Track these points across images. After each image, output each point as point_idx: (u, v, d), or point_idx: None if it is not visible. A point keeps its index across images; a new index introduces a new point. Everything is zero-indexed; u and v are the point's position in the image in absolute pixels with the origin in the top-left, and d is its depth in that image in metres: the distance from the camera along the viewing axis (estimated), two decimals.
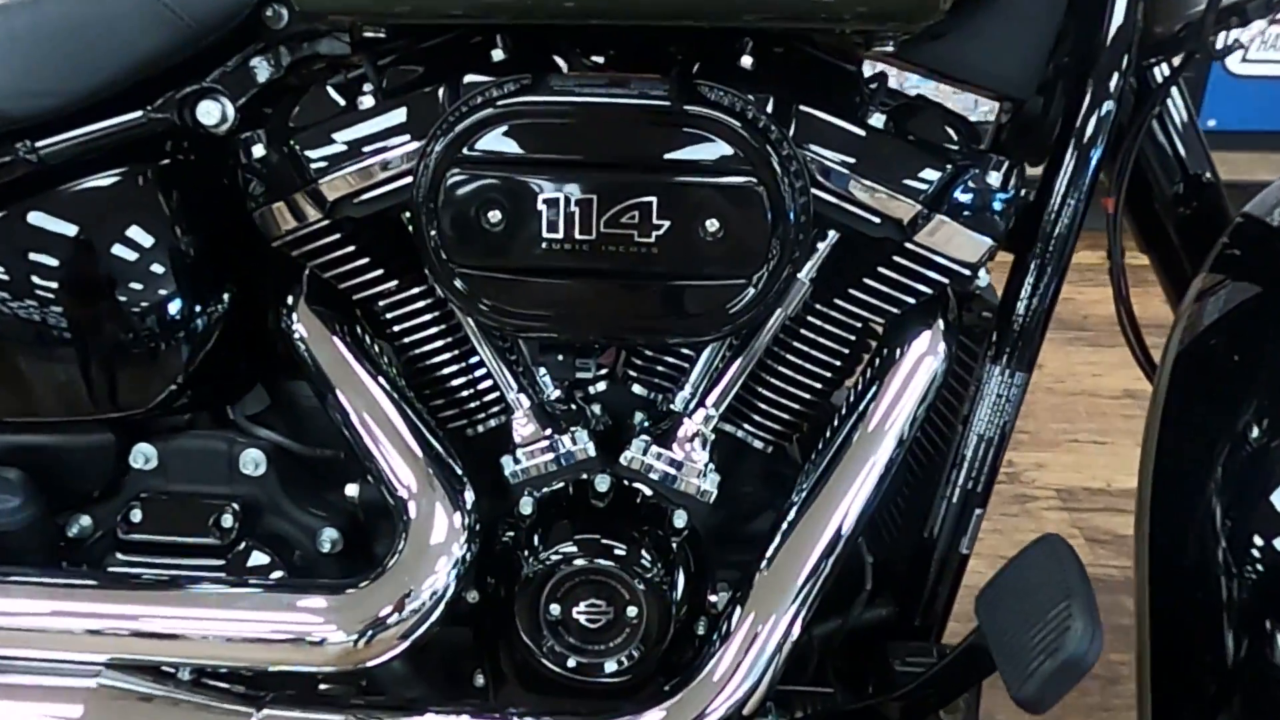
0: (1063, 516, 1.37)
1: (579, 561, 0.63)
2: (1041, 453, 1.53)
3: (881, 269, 0.64)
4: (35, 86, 0.64)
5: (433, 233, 0.58)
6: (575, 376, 0.70)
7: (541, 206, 0.56)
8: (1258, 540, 0.63)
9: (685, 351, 0.69)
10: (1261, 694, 0.62)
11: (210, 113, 0.66)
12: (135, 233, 0.68)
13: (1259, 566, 0.63)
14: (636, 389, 0.71)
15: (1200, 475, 0.67)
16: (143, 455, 0.70)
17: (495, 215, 0.56)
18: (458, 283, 0.59)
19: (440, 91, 0.61)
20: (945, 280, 0.64)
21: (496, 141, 0.56)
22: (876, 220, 0.61)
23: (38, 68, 0.64)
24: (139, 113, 0.66)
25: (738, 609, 0.64)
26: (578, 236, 0.56)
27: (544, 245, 0.57)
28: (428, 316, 0.69)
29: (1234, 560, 0.64)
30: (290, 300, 0.69)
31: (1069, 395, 1.47)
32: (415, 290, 0.68)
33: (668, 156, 0.56)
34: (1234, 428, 0.67)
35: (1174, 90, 0.74)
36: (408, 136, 0.61)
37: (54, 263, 0.67)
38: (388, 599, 0.62)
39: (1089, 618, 0.53)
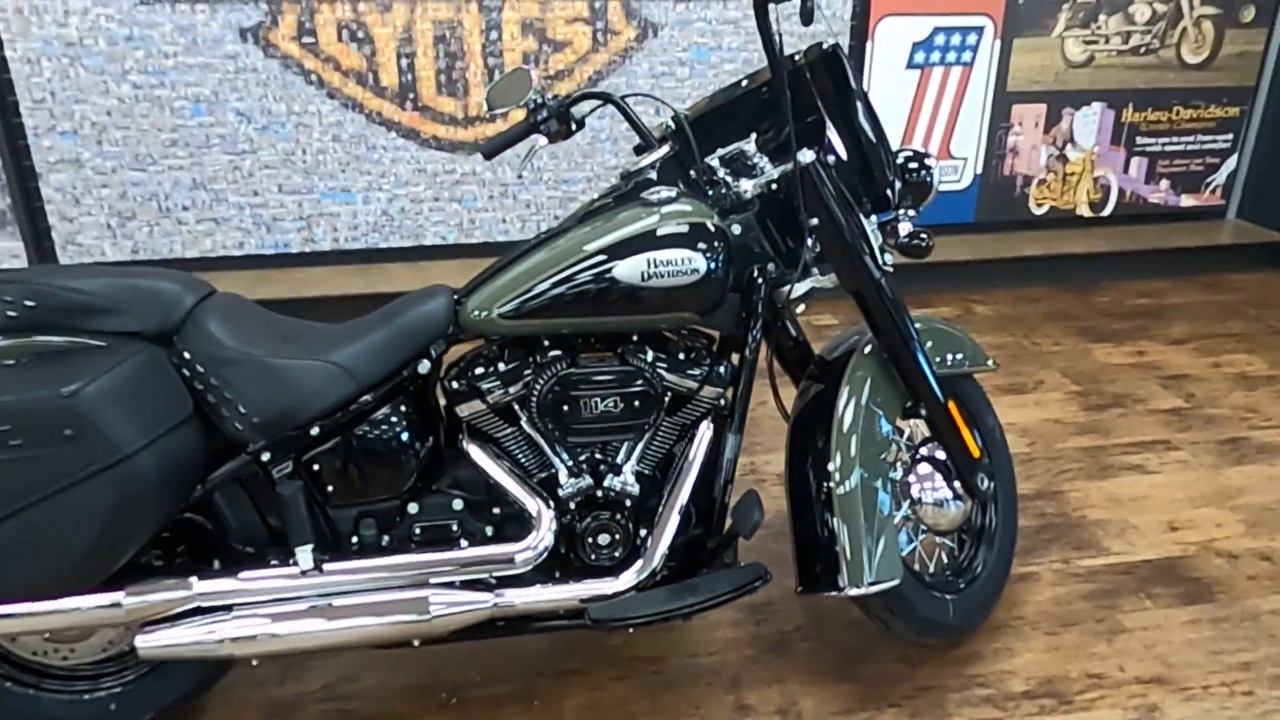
0: (779, 489, 2.58)
1: (598, 520, 1.72)
2: (769, 455, 2.75)
3: (689, 404, 1.77)
4: (376, 370, 1.64)
5: (543, 415, 1.66)
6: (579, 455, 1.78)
7: (580, 402, 1.65)
8: (820, 483, 1.82)
9: (615, 445, 1.78)
10: (821, 532, 1.80)
11: (424, 367, 1.69)
12: (403, 424, 1.69)
13: (824, 489, 1.82)
14: (598, 456, 1.80)
15: (801, 457, 1.86)
16: (414, 507, 1.71)
17: (565, 407, 1.65)
18: (550, 425, 1.67)
19: (531, 360, 1.69)
20: (710, 405, 1.78)
21: (564, 387, 1.64)
22: (685, 390, 1.74)
23: (376, 365, 1.64)
24: (404, 373, 1.68)
25: (652, 535, 1.74)
26: (594, 410, 1.65)
27: (582, 412, 1.65)
28: (519, 434, 1.75)
29: (814, 484, 1.83)
30: (461, 436, 1.73)
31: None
32: (514, 426, 1.74)
33: (617, 386, 1.66)
34: (814, 440, 1.87)
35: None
36: (524, 379, 1.67)
37: (378, 442, 1.66)
38: (531, 549, 1.67)
39: (759, 513, 1.70)
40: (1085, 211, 4.30)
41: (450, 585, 1.67)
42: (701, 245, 1.62)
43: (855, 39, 3.82)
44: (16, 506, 1.37)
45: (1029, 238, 4.22)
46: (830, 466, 1.79)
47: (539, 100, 1.78)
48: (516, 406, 1.71)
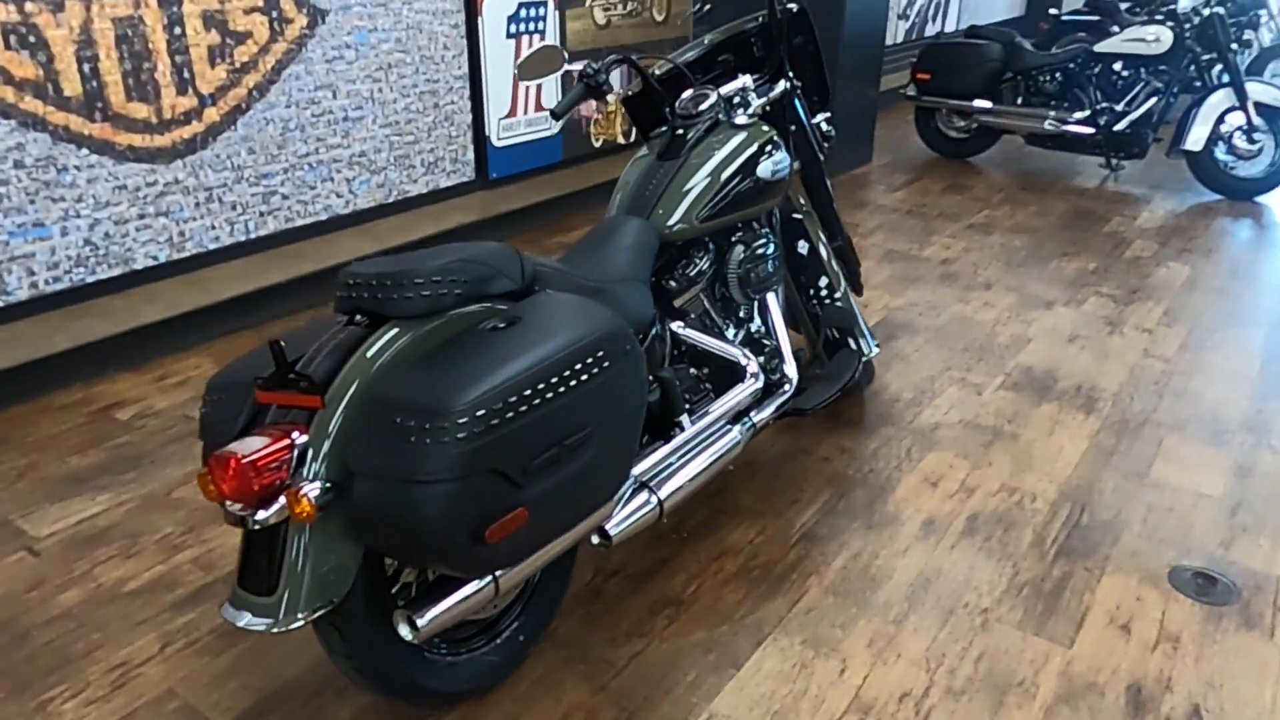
0: None
1: (769, 351, 2.40)
2: None
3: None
4: (647, 280, 2.05)
5: (740, 285, 2.28)
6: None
7: (759, 268, 2.31)
8: (818, 300, 2.77)
9: (744, 305, 2.47)
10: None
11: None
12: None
13: (825, 302, 2.77)
14: (734, 316, 2.45)
15: (799, 292, 2.78)
16: (678, 381, 2.17)
17: (751, 275, 2.30)
18: (737, 293, 2.30)
19: (707, 252, 2.27)
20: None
21: (750, 262, 2.28)
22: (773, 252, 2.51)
23: (647, 276, 2.05)
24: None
25: (784, 356, 2.50)
26: (765, 273, 2.33)
27: (758, 275, 2.32)
28: (702, 311, 2.32)
29: (816, 302, 2.77)
30: (669, 322, 2.24)
31: None
32: (702, 305, 2.31)
33: (771, 253, 2.36)
34: (799, 278, 2.79)
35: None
36: (712, 266, 2.26)
37: (660, 337, 2.10)
38: (761, 383, 2.28)
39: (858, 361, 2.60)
40: (622, 140, 5.60)
41: (731, 421, 2.22)
42: (779, 145, 2.40)
43: (468, 15, 4.42)
44: (605, 422, 1.60)
45: (594, 167, 5.36)
46: (821, 285, 2.73)
47: (594, 68, 2.31)
48: (716, 287, 2.30)
